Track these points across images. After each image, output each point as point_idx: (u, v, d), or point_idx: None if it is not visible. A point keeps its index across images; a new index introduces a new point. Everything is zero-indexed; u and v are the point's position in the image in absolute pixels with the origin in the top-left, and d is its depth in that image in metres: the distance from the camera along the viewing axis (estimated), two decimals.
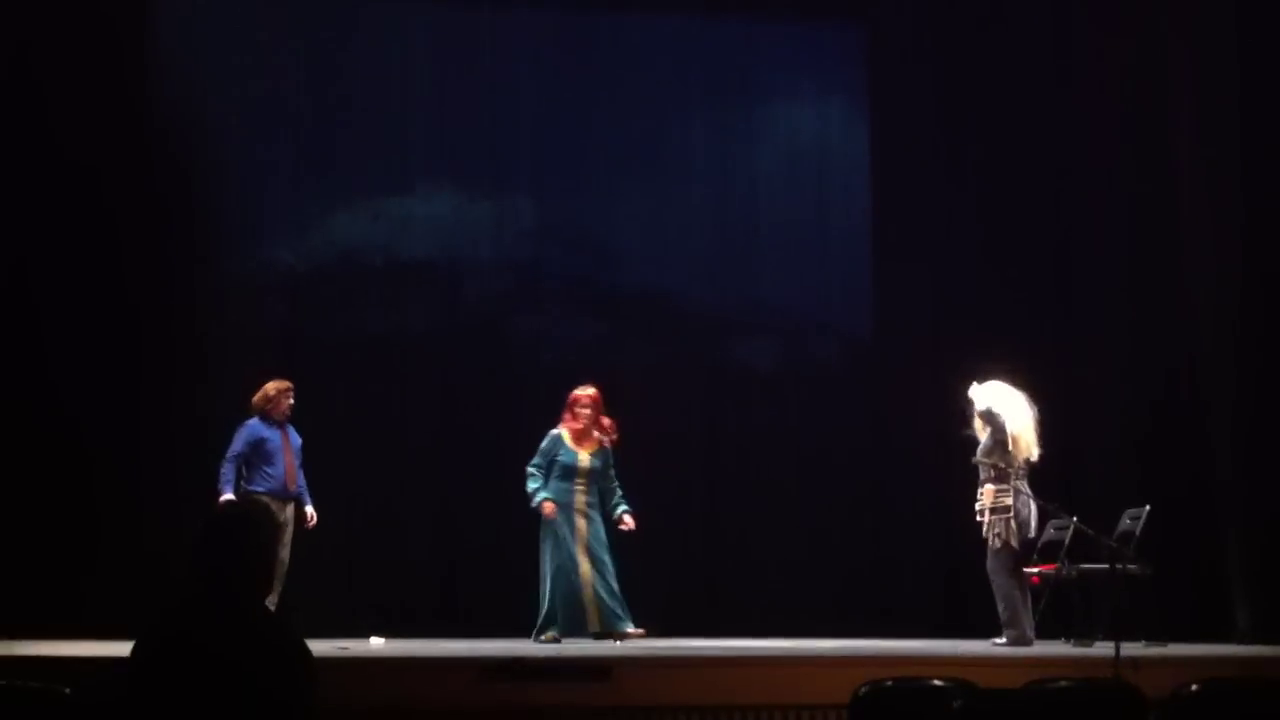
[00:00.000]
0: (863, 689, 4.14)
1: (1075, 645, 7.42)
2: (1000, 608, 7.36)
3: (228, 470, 7.76)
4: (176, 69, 8.93)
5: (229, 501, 7.39)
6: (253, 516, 3.65)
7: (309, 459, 7.99)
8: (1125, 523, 7.87)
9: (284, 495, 7.80)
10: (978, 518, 7.47)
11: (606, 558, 7.61)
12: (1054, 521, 7.83)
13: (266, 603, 3.64)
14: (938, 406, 8.77)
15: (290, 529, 7.77)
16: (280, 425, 7.94)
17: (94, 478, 8.29)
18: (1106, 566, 7.22)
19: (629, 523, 7.68)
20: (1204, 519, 8.41)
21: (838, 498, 9.23)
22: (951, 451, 7.99)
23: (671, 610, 8.31)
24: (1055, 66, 9.36)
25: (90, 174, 8.55)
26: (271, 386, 7.93)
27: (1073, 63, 9.35)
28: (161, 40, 9.01)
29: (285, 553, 7.50)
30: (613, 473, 7.80)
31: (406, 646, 7.34)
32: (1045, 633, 7.69)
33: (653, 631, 7.64)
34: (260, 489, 7.77)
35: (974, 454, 7.54)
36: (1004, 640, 7.27)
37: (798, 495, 9.13)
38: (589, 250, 9.58)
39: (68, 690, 3.91)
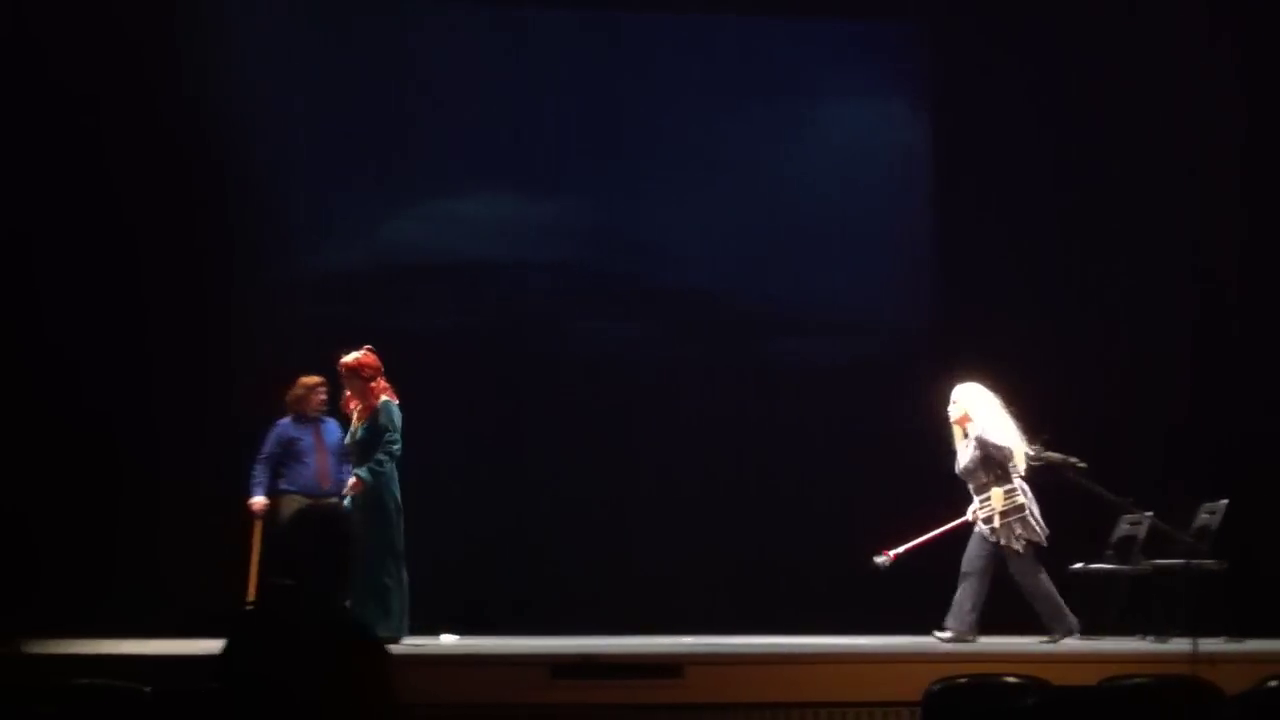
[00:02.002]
0: (935, 686, 4.13)
1: (1152, 641, 7.32)
2: (1039, 608, 7.30)
3: (258, 472, 7.77)
4: (233, 73, 9.00)
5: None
6: (331, 518, 3.70)
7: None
8: (1202, 517, 7.76)
9: (317, 493, 7.63)
10: (985, 525, 7.39)
11: None
12: (1128, 517, 7.74)
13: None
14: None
15: None
16: (313, 423, 7.87)
17: (160, 480, 8.37)
18: (1183, 562, 7.13)
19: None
20: None
21: (895, 495, 9.14)
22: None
23: (738, 607, 8.30)
24: (1123, 54, 9.24)
25: (143, 179, 8.64)
26: (301, 384, 7.85)
27: (1142, 50, 9.22)
28: (217, 43, 9.09)
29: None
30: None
31: (478, 644, 7.38)
32: (1120, 630, 7.60)
33: (719, 629, 7.63)
34: (292, 488, 7.73)
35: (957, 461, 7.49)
36: (1052, 638, 7.18)
37: (854, 492, 9.05)
38: (641, 249, 9.55)
39: (148, 689, 3.99)
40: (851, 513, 8.88)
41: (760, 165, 9.56)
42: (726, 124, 9.56)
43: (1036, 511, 7.37)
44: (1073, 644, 7.11)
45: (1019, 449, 7.41)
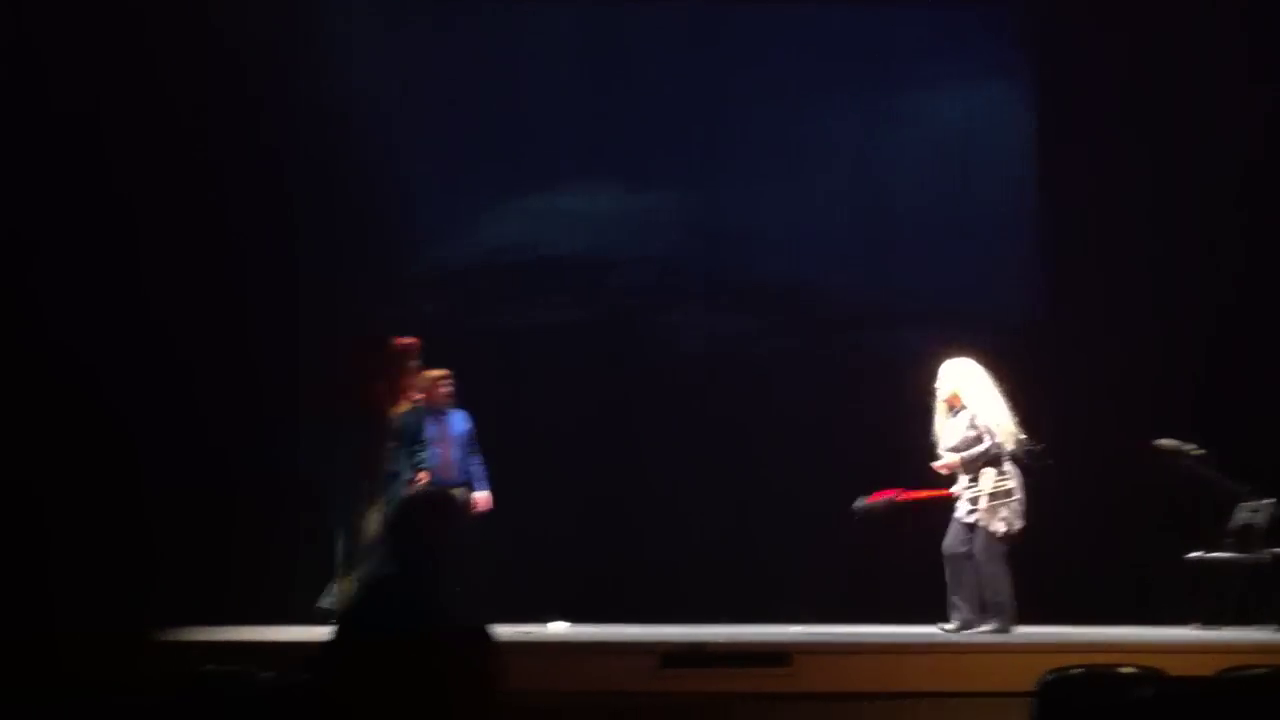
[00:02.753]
0: (1049, 676, 4.09)
1: (1274, 632, 7.15)
2: (989, 594, 7.13)
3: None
4: (336, 73, 9.13)
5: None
6: (439, 504, 3.76)
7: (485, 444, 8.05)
8: None
9: (441, 484, 7.69)
10: (969, 504, 7.21)
11: None
12: (1248, 504, 7.57)
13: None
14: (1099, 396, 8.56)
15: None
16: (439, 414, 7.97)
17: (277, 470, 8.52)
18: None
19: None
20: None
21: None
22: (1126, 435, 7.77)
23: (847, 597, 8.26)
24: (1232, 33, 8.99)
25: (247, 181, 8.79)
26: (426, 376, 7.94)
27: (1253, 28, 8.97)
28: (319, 42, 9.22)
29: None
30: None
31: (588, 631, 7.43)
32: (1239, 620, 7.44)
33: (828, 618, 7.61)
34: None
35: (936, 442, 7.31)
36: (990, 628, 7.03)
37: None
38: (733, 242, 9.52)
39: (266, 674, 4.08)
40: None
41: (860, 155, 9.50)
42: (825, 114, 9.50)
43: (1023, 496, 7.19)
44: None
45: (1011, 430, 7.20)
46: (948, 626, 7.18)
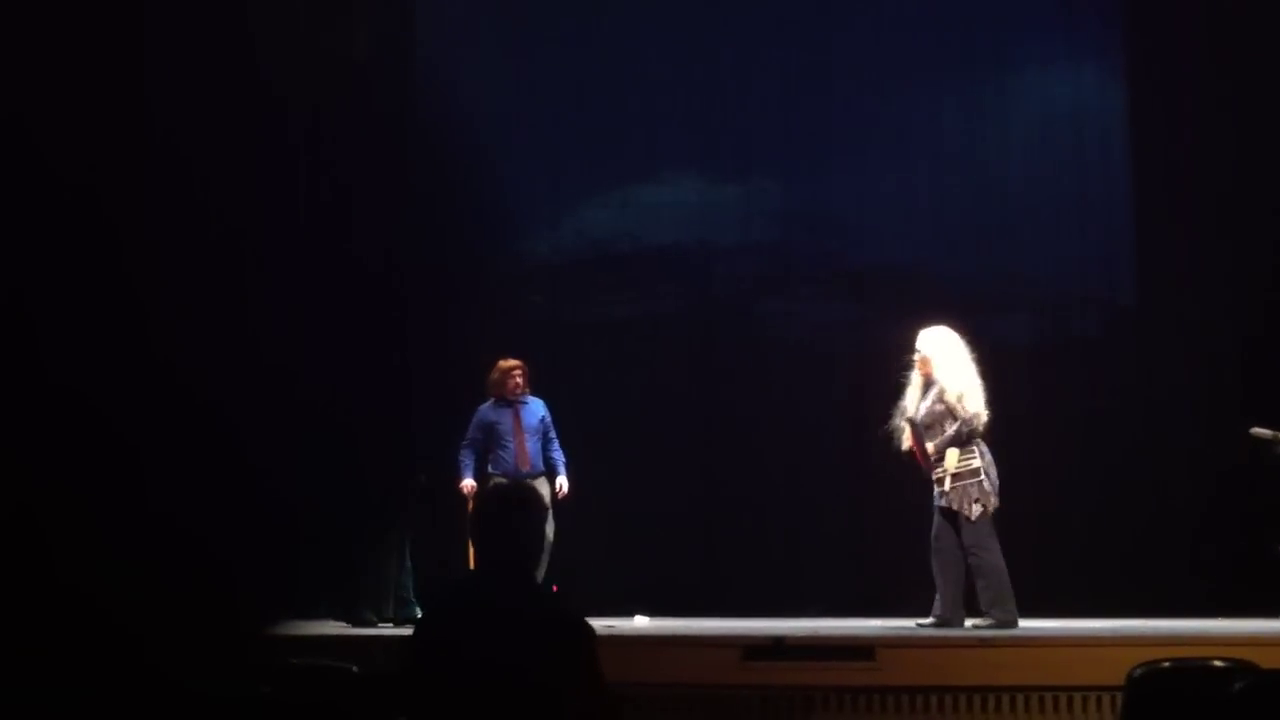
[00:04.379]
0: (1138, 670, 4.04)
1: None
2: (981, 585, 6.76)
3: (463, 456, 7.92)
4: (435, 68, 9.24)
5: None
6: (520, 498, 3.79)
7: (569, 433, 8.08)
8: None
9: (516, 475, 7.75)
10: (938, 490, 6.86)
11: None
12: None
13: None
14: (1208, 378, 8.44)
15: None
16: (512, 405, 7.96)
17: (364, 466, 8.61)
18: None
19: None
20: None
21: (1106, 477, 8.92)
22: (1224, 423, 7.65)
23: (930, 590, 8.21)
24: None
25: (350, 172, 8.91)
26: (498, 367, 7.96)
27: None
28: (420, 39, 9.34)
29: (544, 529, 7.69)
30: None
31: (671, 625, 7.45)
32: None
33: (911, 612, 7.56)
34: (497, 471, 7.88)
35: (900, 414, 6.99)
36: (986, 623, 6.70)
37: (1064, 475, 8.85)
38: (836, 229, 9.50)
39: (355, 668, 4.14)
40: (1052, 493, 8.69)
41: (951, 139, 9.41)
42: (915, 98, 9.42)
43: (994, 475, 6.85)
44: (979, 630, 6.63)
45: (981, 406, 6.86)
46: (924, 621, 6.86)
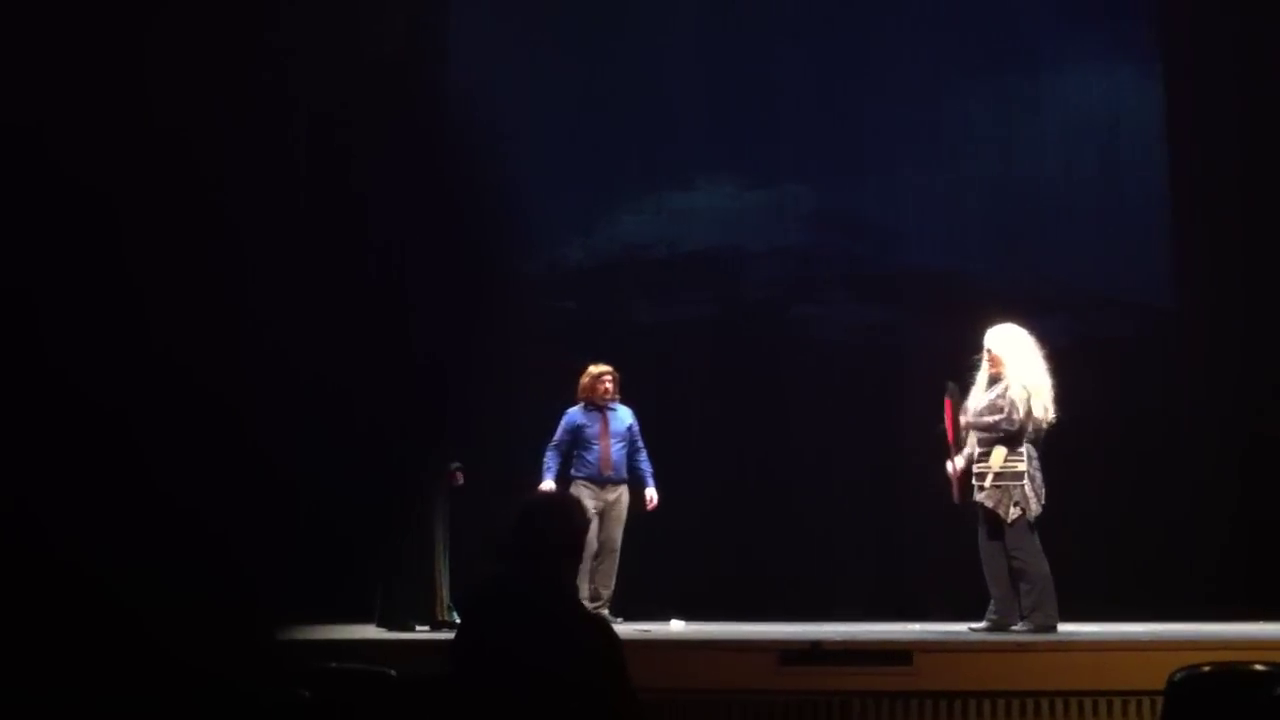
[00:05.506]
0: (1178, 675, 4.01)
1: None
2: (1024, 588, 6.69)
3: (548, 458, 7.93)
4: (467, 75, 9.27)
5: (542, 492, 7.48)
6: (560, 506, 3.81)
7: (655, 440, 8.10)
8: None
9: (599, 480, 7.87)
10: (976, 484, 6.79)
11: None
12: None
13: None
14: (1246, 378, 8.37)
15: (617, 512, 7.89)
16: (601, 410, 8.00)
17: (400, 469, 8.63)
18: None
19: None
20: None
21: (1143, 478, 8.86)
22: (1264, 423, 7.58)
23: (967, 594, 8.17)
24: None
25: (392, 178, 8.95)
26: (588, 372, 8.02)
27: None
28: (453, 45, 9.37)
29: (602, 536, 7.73)
30: None
31: (706, 629, 7.44)
32: None
33: (948, 616, 7.53)
34: (580, 475, 7.92)
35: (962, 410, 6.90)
36: (1027, 626, 6.63)
37: (1102, 476, 8.80)
38: (868, 232, 9.49)
39: (393, 671, 4.16)
40: (1089, 494, 8.64)
41: (984, 140, 9.38)
42: (947, 99, 9.40)
43: (1039, 479, 6.78)
44: (1020, 634, 6.56)
45: (1043, 410, 6.76)
46: (977, 626, 6.83)
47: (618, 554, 7.88)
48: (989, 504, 6.84)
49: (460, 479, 7.67)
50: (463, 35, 9.49)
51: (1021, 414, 6.77)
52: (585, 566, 7.71)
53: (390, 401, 8.50)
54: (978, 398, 6.97)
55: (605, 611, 7.74)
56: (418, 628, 7.25)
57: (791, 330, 9.44)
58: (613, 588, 7.84)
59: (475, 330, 8.97)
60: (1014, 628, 6.72)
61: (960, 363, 8.96)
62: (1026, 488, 6.78)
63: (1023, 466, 6.78)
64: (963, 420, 6.98)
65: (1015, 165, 9.39)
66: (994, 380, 6.95)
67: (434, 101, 9.20)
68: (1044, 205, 9.34)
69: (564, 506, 3.83)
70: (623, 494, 7.94)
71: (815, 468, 9.03)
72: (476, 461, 8.30)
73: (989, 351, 6.96)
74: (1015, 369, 6.88)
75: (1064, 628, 6.88)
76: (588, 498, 7.80)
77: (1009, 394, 6.83)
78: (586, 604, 7.65)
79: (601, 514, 7.86)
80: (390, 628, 7.21)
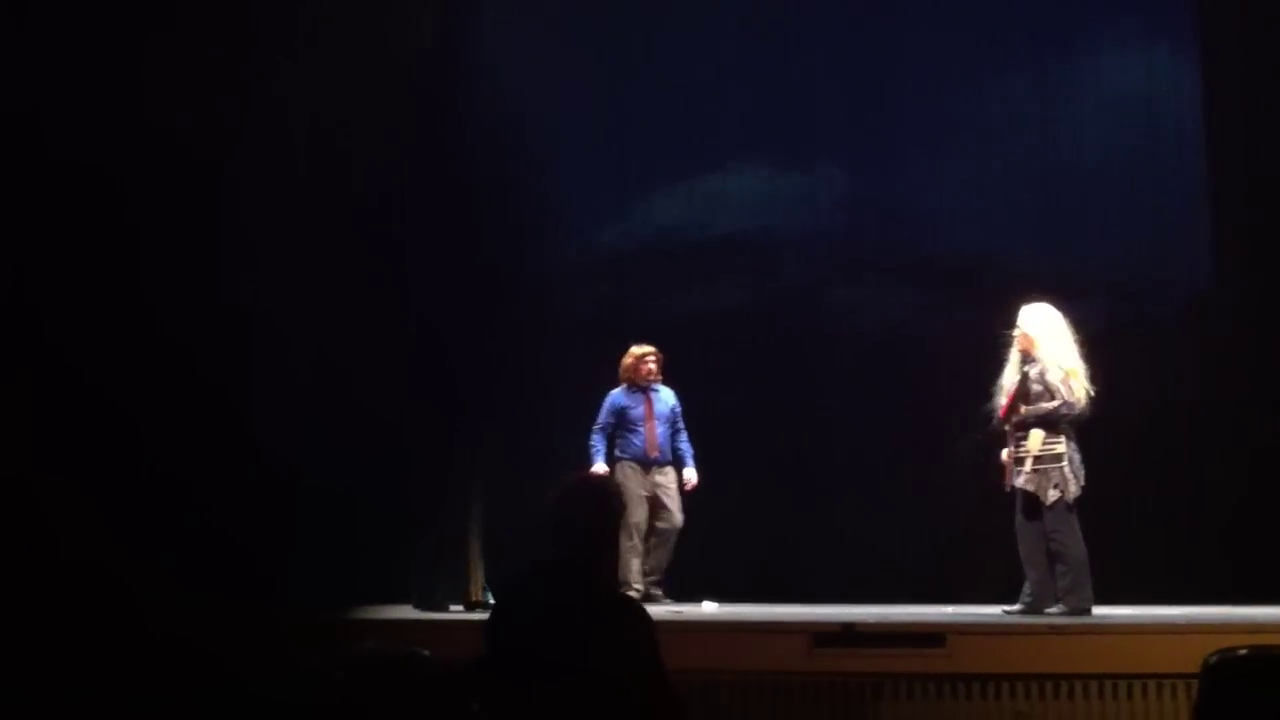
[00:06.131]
0: (1213, 658, 3.99)
1: None
2: (1060, 570, 6.66)
3: (595, 440, 7.96)
4: (499, 58, 9.28)
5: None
6: (593, 493, 3.81)
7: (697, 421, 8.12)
8: None
9: (644, 461, 7.90)
10: (1016, 468, 6.76)
11: None
12: None
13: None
14: (1269, 370, 8.30)
15: (670, 492, 7.89)
16: (644, 391, 8.00)
17: (433, 455, 8.66)
18: None
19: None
20: None
21: (1182, 462, 8.80)
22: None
23: (1002, 579, 8.16)
24: None
25: (424, 169, 8.98)
26: (630, 353, 8.03)
27: None
28: (485, 29, 9.38)
29: (655, 518, 7.78)
30: None
31: (739, 611, 7.46)
32: None
33: (983, 599, 7.51)
34: (625, 456, 7.95)
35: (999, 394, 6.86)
36: (1061, 609, 6.60)
37: (1139, 460, 8.74)
38: (904, 216, 9.44)
39: (427, 652, 4.18)
40: (1126, 478, 8.60)
41: (1021, 123, 9.31)
42: (983, 82, 9.34)
43: (1078, 460, 6.75)
44: (1052, 617, 6.53)
45: (1084, 392, 6.73)
46: (1011, 608, 6.81)
47: (676, 532, 7.88)
48: (1030, 487, 6.82)
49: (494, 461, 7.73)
50: (494, 20, 9.50)
51: (1074, 395, 6.75)
52: (639, 547, 7.75)
53: (402, 386, 8.52)
54: (1009, 375, 6.97)
55: (659, 591, 7.77)
56: (452, 608, 7.29)
57: (825, 314, 9.42)
58: (666, 565, 7.86)
59: (503, 316, 8.97)
60: (1048, 610, 6.71)
61: (996, 347, 8.96)
62: (1065, 469, 6.76)
63: (1061, 448, 6.77)
64: (1023, 409, 6.91)
65: (1051, 149, 9.32)
66: (1025, 359, 6.93)
67: (465, 91, 9.20)
68: (1080, 189, 9.27)
69: (597, 493, 3.83)
70: (670, 474, 7.98)
71: (848, 451, 9.01)
72: (513, 444, 8.35)
73: (1021, 330, 6.95)
74: (1047, 349, 6.87)
75: (1098, 610, 6.85)
76: (634, 481, 7.82)
77: (1048, 377, 6.81)
78: (637, 585, 7.68)
79: (652, 497, 7.88)
80: (426, 608, 7.25)
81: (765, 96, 9.52)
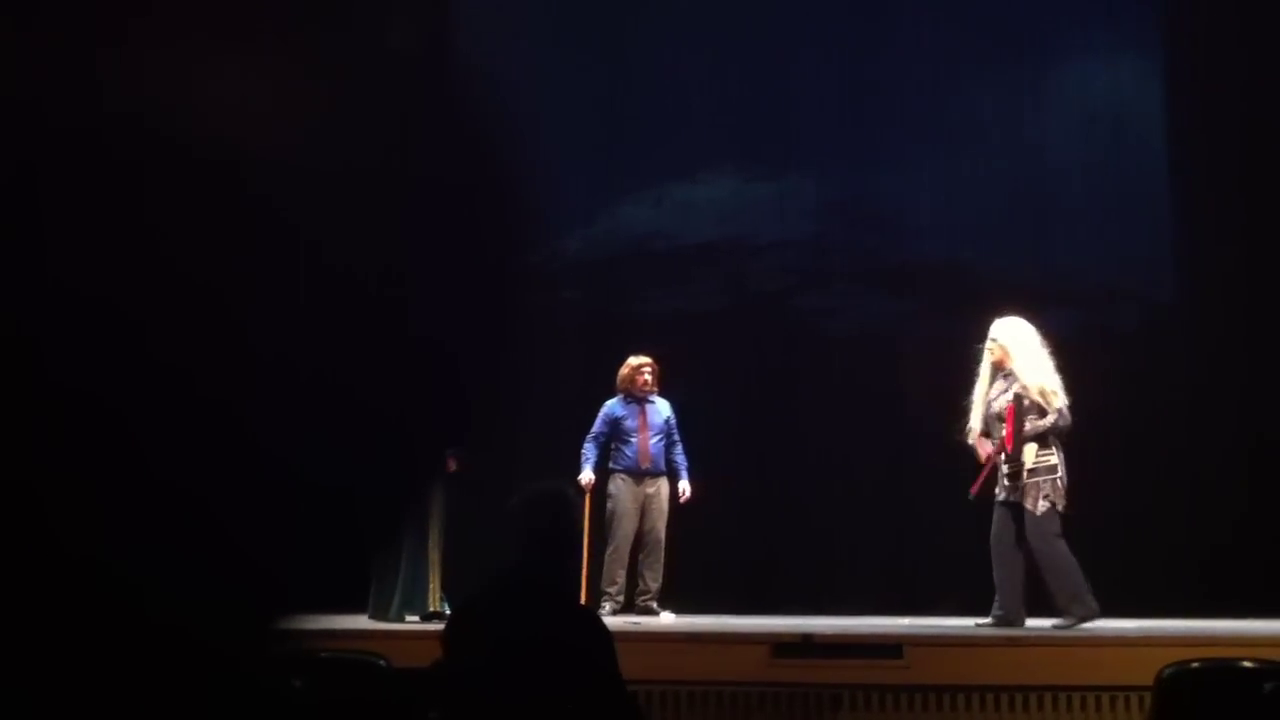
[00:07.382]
0: (1167, 670, 4.03)
1: None
2: (1055, 584, 6.61)
3: (587, 450, 7.90)
4: (469, 66, 9.26)
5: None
6: (557, 501, 3.80)
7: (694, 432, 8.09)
8: None
9: (637, 472, 7.84)
10: (1007, 483, 6.72)
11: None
12: None
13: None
14: (1246, 374, 8.38)
15: (658, 505, 7.86)
16: (639, 402, 7.96)
17: (392, 459, 8.63)
18: None
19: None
20: None
21: (1140, 473, 8.86)
22: (1261, 421, 7.58)
23: (966, 590, 8.19)
24: None
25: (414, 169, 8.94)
26: (627, 364, 7.99)
27: None
28: (454, 36, 9.37)
29: (644, 529, 7.78)
30: None
31: (697, 622, 7.45)
32: None
33: (942, 611, 7.53)
34: (618, 467, 7.90)
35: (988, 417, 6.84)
36: (1067, 621, 6.54)
37: (1098, 471, 8.78)
38: (873, 224, 9.47)
39: (384, 661, 4.17)
40: (1085, 490, 8.64)
41: (989, 132, 9.35)
42: (952, 91, 9.37)
43: (1065, 475, 6.73)
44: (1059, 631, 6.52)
45: (1062, 401, 6.72)
46: (983, 621, 6.76)
47: (663, 545, 7.85)
48: (1017, 499, 6.75)
49: (454, 466, 7.68)
50: (463, 24, 9.48)
51: (1062, 404, 6.73)
52: (625, 559, 7.73)
53: (388, 396, 8.44)
54: (984, 392, 6.96)
55: (653, 604, 7.73)
56: (408, 618, 7.26)
57: (794, 322, 9.41)
58: (660, 580, 7.82)
59: (475, 322, 8.96)
60: (1056, 622, 6.63)
61: (965, 355, 9.00)
62: (1058, 481, 6.74)
63: (1054, 459, 6.73)
64: (974, 424, 6.92)
65: (1020, 157, 9.38)
66: (998, 371, 6.93)
67: (436, 94, 9.18)
68: (1049, 197, 9.33)
69: (557, 501, 3.82)
70: (662, 486, 7.91)
71: (816, 460, 9.03)
72: (475, 451, 8.30)
73: (994, 342, 6.95)
74: (1022, 362, 6.84)
75: (1050, 622, 6.92)
76: (626, 492, 7.80)
77: (1029, 392, 6.78)
78: (619, 597, 7.67)
79: (642, 507, 7.86)
80: (381, 619, 7.21)
81: (734, 105, 9.50)
